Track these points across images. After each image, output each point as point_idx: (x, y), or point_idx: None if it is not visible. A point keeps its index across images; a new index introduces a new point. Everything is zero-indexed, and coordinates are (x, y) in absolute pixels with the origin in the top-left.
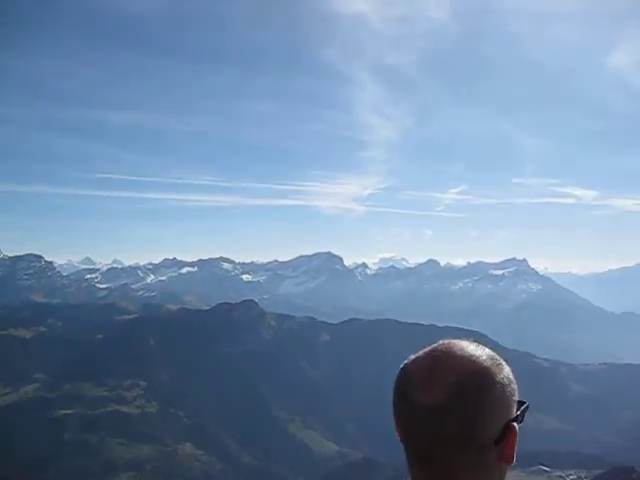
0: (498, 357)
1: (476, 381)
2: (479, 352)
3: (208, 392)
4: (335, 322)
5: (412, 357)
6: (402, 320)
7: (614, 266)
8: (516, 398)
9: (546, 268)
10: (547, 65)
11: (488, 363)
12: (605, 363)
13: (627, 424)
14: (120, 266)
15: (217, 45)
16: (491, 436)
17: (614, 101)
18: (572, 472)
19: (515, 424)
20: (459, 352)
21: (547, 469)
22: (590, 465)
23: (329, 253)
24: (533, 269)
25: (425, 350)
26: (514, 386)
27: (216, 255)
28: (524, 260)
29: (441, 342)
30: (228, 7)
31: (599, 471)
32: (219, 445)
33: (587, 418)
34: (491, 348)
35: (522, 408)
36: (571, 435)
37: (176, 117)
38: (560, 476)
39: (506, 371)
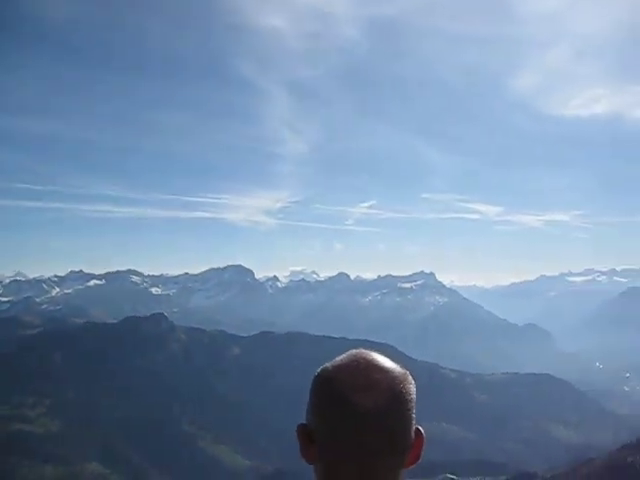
0: None
1: (405, 386)
2: (390, 361)
3: (116, 409)
4: (246, 335)
5: (332, 365)
6: (313, 333)
7: (517, 279)
8: None
9: (452, 281)
10: (456, 85)
11: (404, 369)
12: (508, 373)
13: (529, 432)
14: (23, 278)
15: (128, 53)
16: (411, 439)
17: (518, 122)
18: None
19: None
20: (379, 359)
21: (453, 477)
22: (494, 472)
23: (240, 266)
24: (440, 282)
25: (344, 358)
26: None
27: (124, 268)
28: (432, 273)
29: (354, 351)
30: (138, 14)
31: (503, 478)
32: (127, 463)
33: (491, 427)
34: (397, 359)
35: None
36: (476, 444)
37: (82, 124)
38: None
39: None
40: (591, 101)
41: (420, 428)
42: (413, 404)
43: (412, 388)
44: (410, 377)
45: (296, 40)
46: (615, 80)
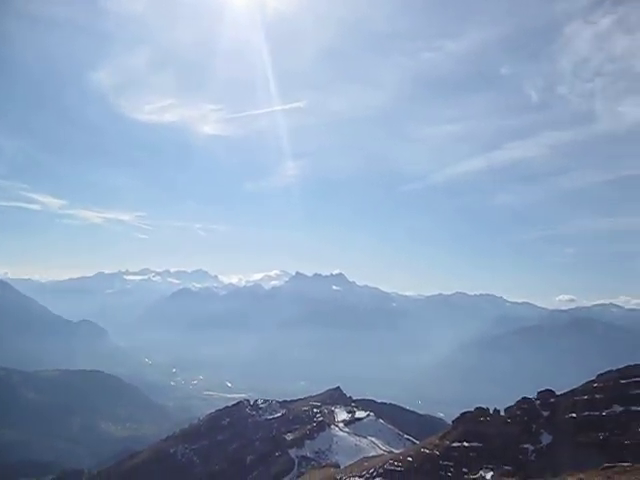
0: None
1: None
2: None
3: None
4: None
5: None
6: None
7: (75, 275)
8: None
9: (6, 273)
10: (32, 67)
11: None
12: (59, 370)
13: (78, 428)
14: None
15: None
16: None
17: (92, 117)
18: None
19: None
20: None
21: None
22: (41, 472)
23: None
24: None
25: None
26: None
27: None
28: None
29: None
30: None
31: (50, 477)
32: None
33: (40, 425)
34: None
35: None
36: (24, 444)
37: None
38: None
39: None
40: (162, 110)
41: None
42: None
43: None
44: None
45: None
46: (185, 93)
